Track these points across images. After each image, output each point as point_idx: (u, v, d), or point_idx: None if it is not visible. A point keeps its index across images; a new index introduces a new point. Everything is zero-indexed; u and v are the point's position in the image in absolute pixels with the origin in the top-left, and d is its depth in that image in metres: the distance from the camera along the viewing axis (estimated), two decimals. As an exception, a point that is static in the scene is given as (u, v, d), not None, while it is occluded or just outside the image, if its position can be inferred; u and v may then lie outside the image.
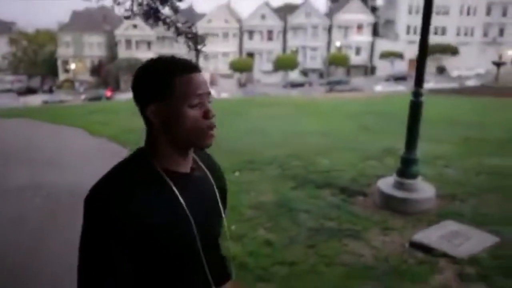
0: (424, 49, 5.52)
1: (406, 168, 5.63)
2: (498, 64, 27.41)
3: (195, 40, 8.40)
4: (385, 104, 20.54)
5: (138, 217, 1.20)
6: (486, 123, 13.06)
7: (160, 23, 8.48)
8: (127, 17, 8.75)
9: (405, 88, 41.75)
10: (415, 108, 5.62)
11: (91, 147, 11.29)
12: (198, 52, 7.43)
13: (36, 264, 4.48)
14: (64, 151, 10.57)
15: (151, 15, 8.54)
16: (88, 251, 1.22)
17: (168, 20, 8.54)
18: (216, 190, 1.45)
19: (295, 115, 16.40)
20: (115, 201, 1.20)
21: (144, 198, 1.24)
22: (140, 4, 8.22)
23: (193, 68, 1.29)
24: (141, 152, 1.35)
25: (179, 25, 8.46)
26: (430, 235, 4.51)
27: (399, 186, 5.61)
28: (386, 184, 5.79)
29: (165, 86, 1.26)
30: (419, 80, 5.64)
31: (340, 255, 4.29)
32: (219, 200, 1.45)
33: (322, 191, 6.27)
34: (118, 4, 8.17)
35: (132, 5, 8.21)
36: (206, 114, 1.27)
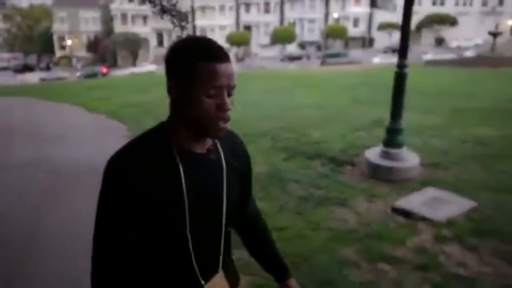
0: (407, 21, 5.70)
1: (392, 138, 5.85)
2: (494, 34, 27.19)
3: (180, 17, 8.67)
4: (380, 76, 20.44)
5: (142, 190, 1.24)
6: (476, 93, 13.21)
7: (147, 1, 8.70)
8: None
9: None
10: (400, 80, 5.78)
11: (89, 124, 11.54)
12: (182, 28, 7.79)
13: (38, 234, 4.77)
14: (63, 128, 10.78)
15: None
16: (99, 212, 1.28)
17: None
18: (225, 176, 1.41)
19: (291, 88, 16.54)
20: (123, 173, 1.25)
21: (151, 172, 1.26)
22: None
23: (221, 57, 1.26)
24: (161, 126, 1.36)
25: (164, 3, 8.63)
26: (412, 201, 4.78)
27: (385, 155, 5.85)
28: (373, 154, 6.03)
29: (188, 67, 1.26)
30: (403, 52, 5.80)
31: (326, 221, 4.55)
32: (224, 187, 1.40)
33: (313, 162, 6.52)
34: None
35: None
36: (221, 106, 1.26)
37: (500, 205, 4.66)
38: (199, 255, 1.36)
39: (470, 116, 9.68)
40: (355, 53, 53.96)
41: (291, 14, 62.46)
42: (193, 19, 62.78)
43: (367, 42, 61.97)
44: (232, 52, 57.32)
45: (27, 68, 57.37)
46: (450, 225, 4.26)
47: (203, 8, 60.26)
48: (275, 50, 57.76)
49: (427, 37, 59.08)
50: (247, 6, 62.33)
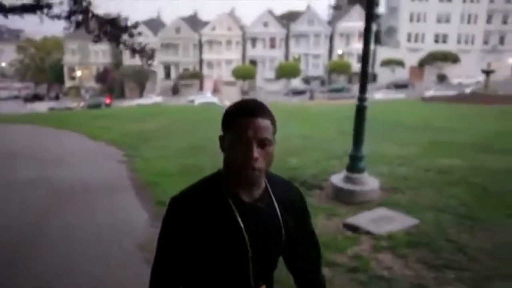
0: (366, 63, 6.44)
1: (353, 164, 6.53)
2: (487, 72, 28.12)
3: (147, 56, 10.80)
4: (376, 110, 21.26)
5: (196, 225, 1.41)
6: (459, 128, 13.85)
7: (121, 44, 10.71)
8: (96, 41, 11.19)
9: (405, 96, 42.58)
10: (360, 112, 6.48)
11: (91, 150, 12.25)
12: (149, 65, 9.70)
13: (36, 244, 5.44)
14: (66, 153, 11.43)
15: (114, 40, 10.79)
16: (159, 237, 1.49)
17: (127, 43, 10.67)
18: (282, 224, 1.51)
19: (285, 120, 17.19)
20: (182, 209, 1.43)
21: (206, 213, 1.42)
22: (105, 33, 10.46)
23: (252, 113, 1.39)
24: (217, 173, 1.51)
25: (135, 46, 10.48)
26: (360, 219, 5.43)
27: (347, 180, 6.51)
28: (338, 178, 6.69)
29: (229, 122, 1.41)
30: (363, 88, 6.52)
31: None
32: (283, 232, 1.50)
33: (286, 186, 7.18)
34: (89, 33, 10.41)
35: (99, 33, 10.43)
36: (247, 155, 1.35)
37: (439, 223, 5.30)
38: (255, 277, 1.49)
39: (444, 149, 10.30)
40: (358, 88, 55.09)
41: (296, 49, 63.49)
42: (201, 53, 64.06)
43: (370, 77, 62.51)
44: (238, 86, 58.33)
45: (37, 98, 58.41)
46: (389, 238, 4.88)
47: (210, 43, 61.79)
48: (280, 85, 58.47)
49: (430, 73, 59.80)
50: (253, 41, 63.35)
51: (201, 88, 58.82)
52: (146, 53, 10.92)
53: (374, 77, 61.81)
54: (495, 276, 4.07)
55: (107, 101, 48.49)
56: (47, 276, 4.50)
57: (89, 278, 4.47)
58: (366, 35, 6.44)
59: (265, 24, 63.05)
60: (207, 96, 49.05)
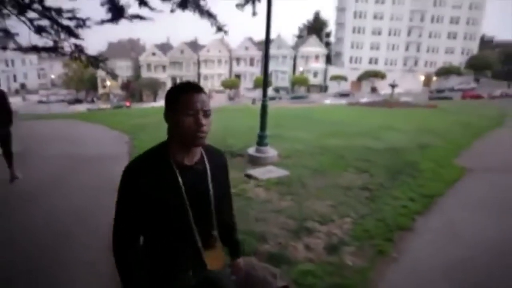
0: (266, 77, 7.58)
1: (260, 140, 7.65)
2: (393, 86, 29.42)
3: (109, 71, 7.85)
4: (311, 111, 22.19)
5: (145, 189, 1.31)
6: (357, 122, 14.70)
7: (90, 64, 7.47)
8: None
9: (345, 102, 43.01)
10: (264, 108, 7.60)
11: (107, 135, 12.59)
12: (113, 77, 8.02)
13: (59, 194, 6.05)
14: (91, 137, 11.85)
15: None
16: (117, 200, 1.37)
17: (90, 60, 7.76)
18: (210, 181, 1.44)
19: (247, 116, 17.48)
20: (133, 176, 1.32)
21: (154, 178, 1.33)
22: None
23: (194, 89, 1.32)
24: (163, 144, 1.40)
25: (101, 64, 7.36)
26: (254, 171, 6.63)
27: (257, 150, 7.67)
28: (252, 150, 7.80)
29: (173, 99, 1.32)
30: (264, 93, 7.67)
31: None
32: (210, 189, 1.44)
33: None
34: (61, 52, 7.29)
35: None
36: (197, 123, 1.30)
37: (300, 174, 6.45)
38: (199, 233, 1.43)
39: (336, 135, 11.07)
40: (314, 96, 55.66)
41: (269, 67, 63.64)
42: (199, 68, 63.65)
43: (323, 88, 63.34)
44: (226, 93, 58.73)
45: (77, 101, 58.40)
46: (266, 181, 6.05)
47: (205, 61, 61.92)
48: (257, 93, 58.78)
49: (366, 86, 60.99)
50: (238, 60, 63.41)
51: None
52: (107, 68, 8.14)
53: (326, 88, 62.81)
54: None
55: (127, 104, 49.03)
56: (63, 212, 4.99)
57: (98, 211, 4.89)
58: (266, 59, 7.56)
59: (246, 48, 63.26)
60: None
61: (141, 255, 1.43)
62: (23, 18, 5.30)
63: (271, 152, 7.75)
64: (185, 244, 1.42)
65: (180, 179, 1.36)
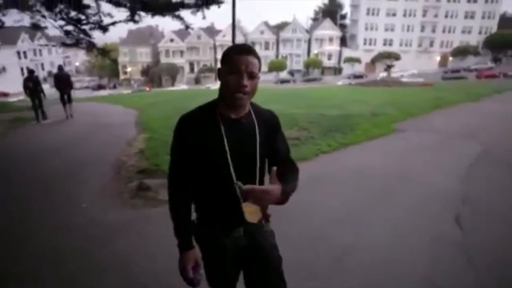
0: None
1: None
2: (389, 66, 30.27)
3: (100, 51, 10.72)
4: (313, 91, 23.20)
5: (191, 138, 1.39)
6: (339, 97, 15.82)
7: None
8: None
9: (354, 82, 42.72)
10: None
11: (122, 111, 14.74)
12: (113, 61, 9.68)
13: (84, 152, 7.92)
14: (109, 113, 13.85)
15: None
16: (171, 147, 1.46)
17: (99, 51, 10.76)
18: (258, 136, 1.44)
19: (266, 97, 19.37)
20: (182, 126, 1.41)
21: (200, 129, 1.39)
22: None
23: (245, 51, 1.35)
24: (214, 100, 1.46)
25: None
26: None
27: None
28: None
29: (227, 57, 1.37)
30: None
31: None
32: (257, 143, 1.44)
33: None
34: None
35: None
36: (239, 82, 1.32)
37: None
38: (236, 172, 1.42)
39: (307, 107, 12.45)
40: (328, 78, 55.87)
41: (284, 50, 63.98)
42: (215, 53, 64.68)
43: (337, 70, 63.38)
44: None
45: (100, 87, 60.39)
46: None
47: (222, 46, 62.29)
48: (272, 76, 59.51)
49: (380, 67, 60.87)
50: (253, 44, 62.27)
51: (215, 79, 59.59)
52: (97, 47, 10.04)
53: (340, 70, 62.96)
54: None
55: (147, 89, 50.62)
56: (86, 149, 7.74)
57: (102, 160, 7.37)
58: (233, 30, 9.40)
59: (261, 32, 63.69)
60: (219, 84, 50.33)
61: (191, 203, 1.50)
62: (56, 24, 7.64)
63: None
64: (226, 196, 1.43)
65: (223, 131, 1.39)
